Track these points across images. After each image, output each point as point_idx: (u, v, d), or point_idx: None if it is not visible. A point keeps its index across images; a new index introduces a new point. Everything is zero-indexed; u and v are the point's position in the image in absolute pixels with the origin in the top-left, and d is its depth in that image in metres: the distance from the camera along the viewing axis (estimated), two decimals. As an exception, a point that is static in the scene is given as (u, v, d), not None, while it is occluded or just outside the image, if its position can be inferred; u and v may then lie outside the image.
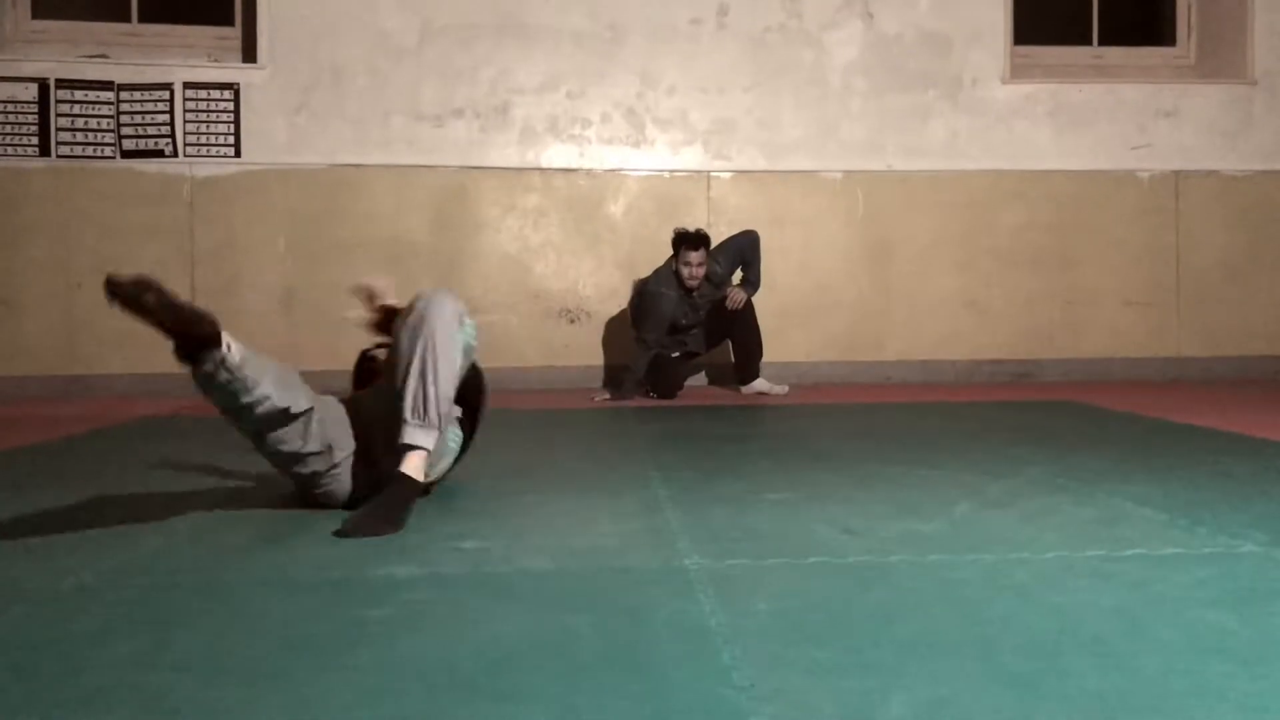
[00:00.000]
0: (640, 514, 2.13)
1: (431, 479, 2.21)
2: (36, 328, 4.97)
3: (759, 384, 4.78)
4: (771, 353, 4.98)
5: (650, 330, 4.61)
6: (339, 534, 1.91)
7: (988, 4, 5.39)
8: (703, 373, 5.38)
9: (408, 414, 2.04)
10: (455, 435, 2.31)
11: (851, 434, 3.39)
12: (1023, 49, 5.61)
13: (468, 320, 2.14)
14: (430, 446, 2.06)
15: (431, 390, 2.03)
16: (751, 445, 3.25)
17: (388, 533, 1.93)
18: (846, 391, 4.93)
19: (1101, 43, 5.76)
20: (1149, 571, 1.65)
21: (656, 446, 3.11)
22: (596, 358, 5.29)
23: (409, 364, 2.04)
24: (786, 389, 4.83)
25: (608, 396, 4.66)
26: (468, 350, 2.15)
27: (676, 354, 4.87)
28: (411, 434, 2.04)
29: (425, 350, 2.04)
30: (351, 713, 1.12)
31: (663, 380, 4.71)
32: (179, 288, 4.94)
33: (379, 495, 2.00)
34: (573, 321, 5.28)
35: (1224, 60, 5.62)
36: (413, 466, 2.04)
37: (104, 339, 4.93)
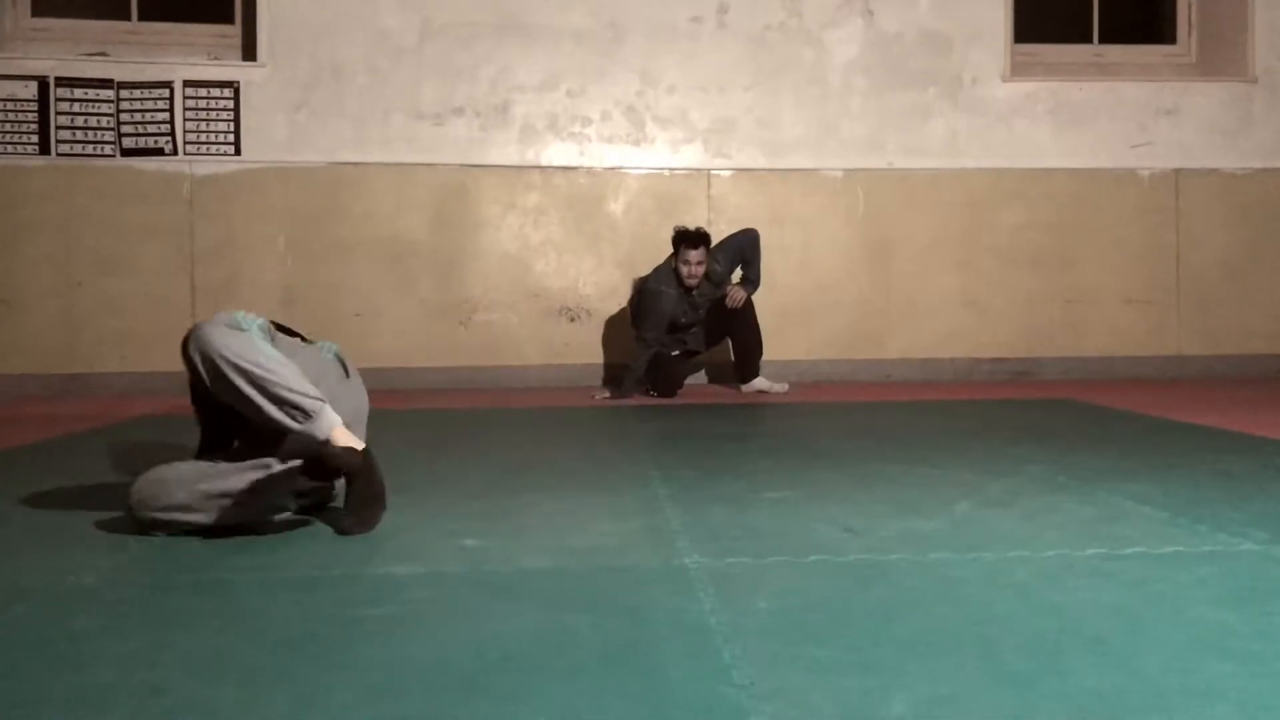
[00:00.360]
0: (640, 513, 2.13)
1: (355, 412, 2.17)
2: (36, 326, 4.96)
3: (759, 382, 4.78)
4: (771, 351, 4.98)
5: (650, 329, 4.61)
6: (343, 532, 1.91)
7: (988, 2, 5.38)
8: (703, 371, 5.38)
9: (293, 425, 1.91)
10: (327, 349, 2.23)
11: (851, 433, 3.39)
12: (1023, 47, 5.60)
13: (238, 315, 1.99)
14: (335, 421, 1.94)
15: (284, 393, 1.89)
16: (751, 444, 3.25)
17: (381, 511, 1.92)
18: (846, 390, 4.93)
19: (1102, 41, 5.76)
20: (1149, 570, 1.65)
21: (656, 445, 3.11)
22: (596, 356, 5.30)
23: (244, 396, 1.89)
24: (786, 387, 4.83)
25: (608, 395, 4.66)
26: (264, 330, 2.01)
27: (676, 352, 4.87)
28: (315, 429, 1.91)
29: (239, 374, 1.88)
30: (351, 712, 1.12)
31: (663, 379, 4.71)
32: (179, 286, 4.96)
33: (354, 487, 1.93)
34: (573, 320, 5.28)
35: (1224, 58, 5.62)
36: (344, 439, 1.94)
37: (103, 338, 4.93)
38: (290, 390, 1.89)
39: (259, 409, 1.89)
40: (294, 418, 1.90)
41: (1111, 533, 1.90)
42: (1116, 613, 1.43)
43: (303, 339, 2.22)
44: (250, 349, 1.90)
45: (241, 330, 1.94)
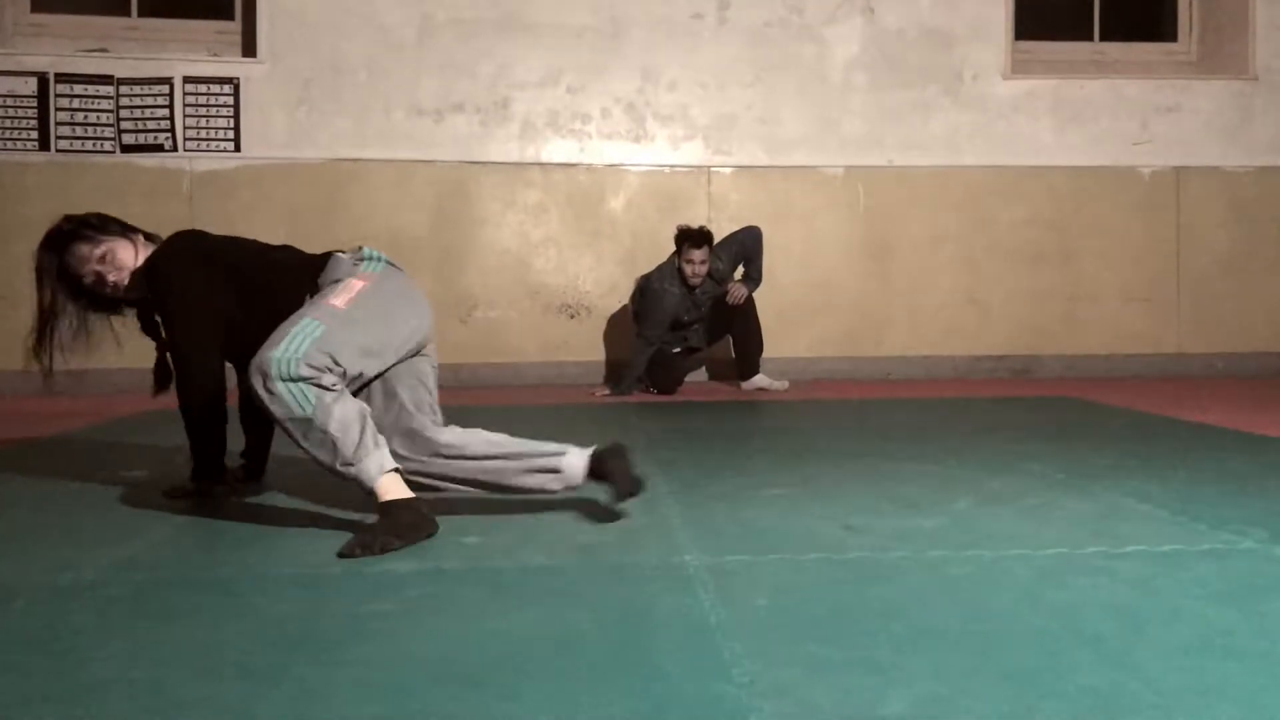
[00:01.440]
0: (640, 510, 2.13)
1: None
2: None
3: (759, 380, 4.78)
4: (772, 349, 4.97)
5: (652, 327, 4.61)
6: (341, 555, 1.75)
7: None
8: (703, 368, 5.38)
9: (334, 479, 1.87)
10: (375, 263, 2.10)
11: (851, 430, 3.39)
12: (1024, 44, 5.60)
13: (276, 359, 1.81)
14: (375, 471, 1.81)
15: (317, 460, 1.83)
16: (751, 441, 3.25)
17: (386, 551, 1.77)
18: (846, 388, 4.93)
19: (1103, 38, 5.75)
20: (1149, 568, 1.65)
21: (657, 442, 3.10)
22: (596, 353, 5.29)
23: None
24: (786, 385, 4.83)
25: (608, 392, 4.65)
26: (307, 359, 1.82)
27: (678, 349, 4.87)
28: (358, 480, 1.83)
29: (282, 428, 1.84)
30: (352, 708, 1.12)
31: (663, 376, 4.71)
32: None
33: (383, 522, 1.82)
34: (573, 317, 5.28)
35: (1225, 56, 5.61)
36: (390, 489, 1.83)
37: (102, 334, 4.92)
38: (322, 461, 1.82)
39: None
40: (333, 474, 1.84)
41: (1111, 531, 1.90)
42: (1116, 611, 1.43)
43: (356, 254, 2.11)
44: (286, 412, 1.80)
45: (280, 382, 1.80)
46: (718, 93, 5.31)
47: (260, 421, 2.41)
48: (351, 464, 1.81)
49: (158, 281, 2.15)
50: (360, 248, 2.16)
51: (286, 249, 2.27)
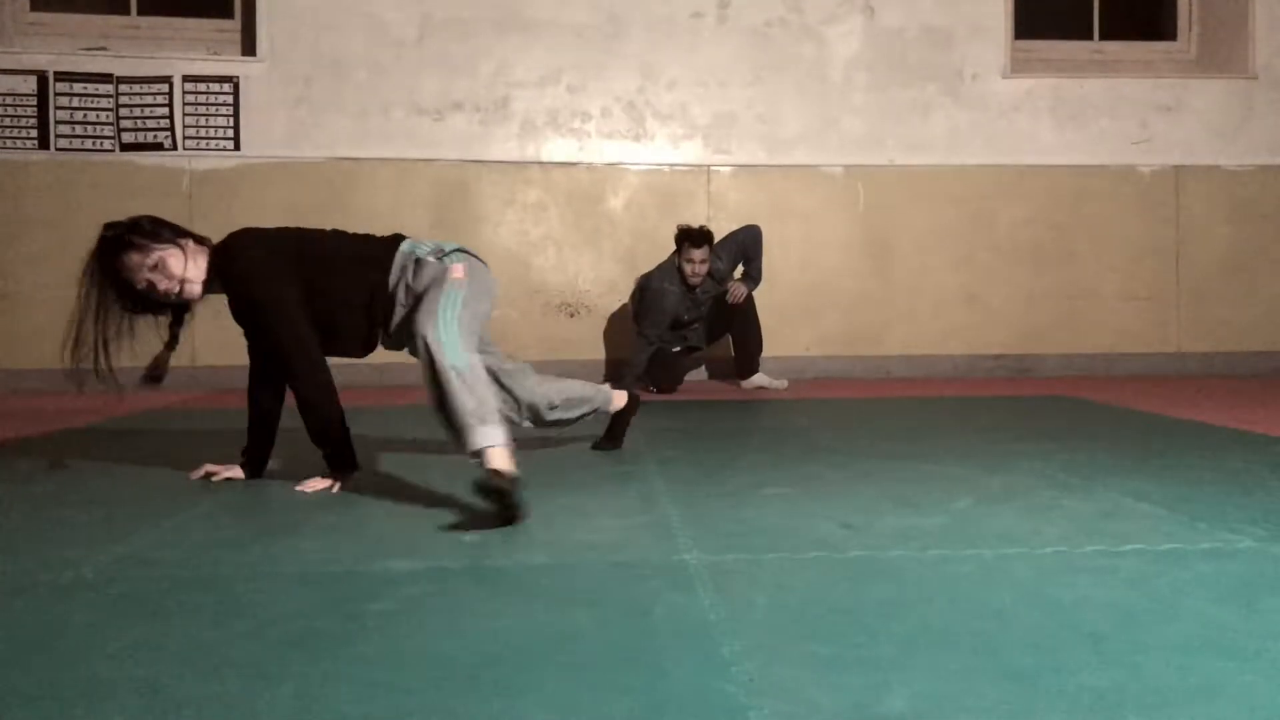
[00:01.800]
0: (640, 508, 2.13)
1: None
2: (35, 320, 4.96)
3: (758, 379, 4.78)
4: (771, 347, 4.98)
5: (652, 326, 4.61)
6: (456, 528, 1.93)
7: (989, -2, 5.38)
8: (703, 367, 5.38)
9: (448, 435, 2.05)
10: (457, 257, 2.30)
11: (851, 429, 3.39)
12: (1023, 43, 5.60)
13: (444, 318, 2.12)
14: (485, 441, 1.99)
15: (451, 416, 2.03)
16: (751, 440, 3.25)
17: (495, 527, 1.93)
18: (846, 386, 4.93)
19: (1103, 37, 5.75)
20: (1148, 567, 1.65)
21: (656, 441, 3.10)
22: (596, 352, 5.29)
23: (432, 394, 2.08)
24: (786, 384, 4.83)
25: (607, 391, 4.65)
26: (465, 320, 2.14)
27: (678, 349, 4.87)
28: (469, 443, 2.01)
29: (439, 382, 2.05)
30: (352, 707, 1.12)
31: (663, 375, 4.71)
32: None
33: (489, 502, 1.95)
34: (572, 316, 5.28)
35: (1225, 55, 5.61)
36: (496, 459, 1.99)
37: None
38: (456, 407, 2.01)
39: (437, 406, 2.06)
40: (451, 433, 2.04)
41: (1110, 529, 1.90)
42: (1115, 609, 1.43)
43: (440, 253, 2.32)
44: (448, 360, 2.04)
45: (445, 332, 2.08)
46: (717, 91, 5.31)
47: (267, 418, 2.42)
48: (481, 420, 2.00)
49: (240, 292, 2.24)
50: (440, 245, 2.36)
51: (340, 235, 2.46)
